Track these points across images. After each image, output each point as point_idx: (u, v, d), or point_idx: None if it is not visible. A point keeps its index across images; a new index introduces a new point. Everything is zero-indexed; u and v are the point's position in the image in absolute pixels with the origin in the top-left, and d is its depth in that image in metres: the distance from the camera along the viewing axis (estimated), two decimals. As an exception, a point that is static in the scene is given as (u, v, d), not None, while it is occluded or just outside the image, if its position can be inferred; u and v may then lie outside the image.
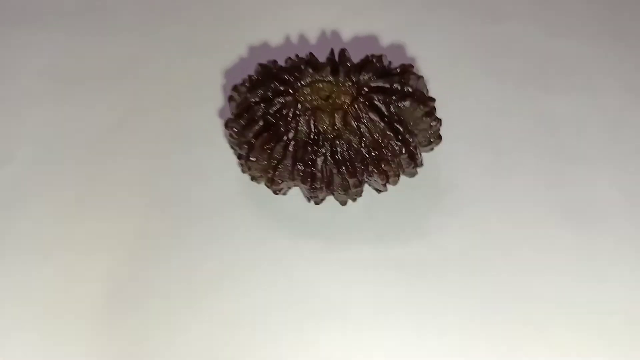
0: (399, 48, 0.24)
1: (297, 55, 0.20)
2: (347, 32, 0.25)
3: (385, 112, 0.18)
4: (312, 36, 0.24)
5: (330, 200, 0.20)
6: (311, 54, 0.20)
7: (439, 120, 0.19)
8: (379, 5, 0.25)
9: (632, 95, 0.23)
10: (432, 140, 0.19)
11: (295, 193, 0.21)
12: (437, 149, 0.21)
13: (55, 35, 0.25)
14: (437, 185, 0.21)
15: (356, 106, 0.18)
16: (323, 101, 0.18)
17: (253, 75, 0.19)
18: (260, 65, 0.20)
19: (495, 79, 0.24)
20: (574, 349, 0.18)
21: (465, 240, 0.20)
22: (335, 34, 0.24)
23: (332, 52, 0.20)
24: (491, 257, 0.20)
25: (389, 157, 0.18)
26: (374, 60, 0.19)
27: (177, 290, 0.19)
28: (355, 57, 0.20)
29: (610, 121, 0.22)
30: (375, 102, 0.18)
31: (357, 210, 0.20)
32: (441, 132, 0.19)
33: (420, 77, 0.19)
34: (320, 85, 0.19)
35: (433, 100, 0.19)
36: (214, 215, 0.20)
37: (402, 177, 0.20)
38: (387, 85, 0.18)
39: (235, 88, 0.19)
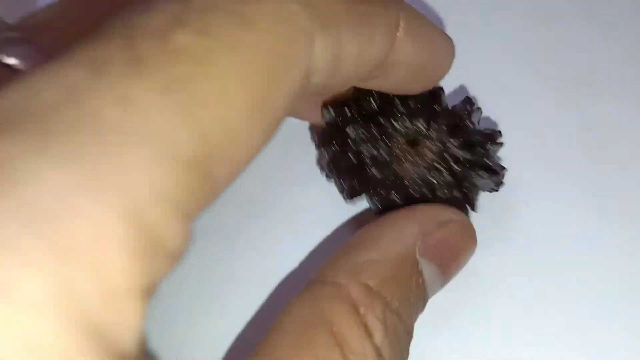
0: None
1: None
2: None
3: (459, 175, 0.18)
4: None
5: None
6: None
7: (502, 184, 0.19)
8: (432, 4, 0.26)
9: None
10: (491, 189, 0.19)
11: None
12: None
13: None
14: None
15: (435, 164, 0.18)
16: (408, 147, 0.19)
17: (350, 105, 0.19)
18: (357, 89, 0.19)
19: (543, 79, 0.24)
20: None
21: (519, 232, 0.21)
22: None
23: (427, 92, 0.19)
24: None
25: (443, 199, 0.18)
26: (466, 120, 0.19)
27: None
28: None
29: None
30: (454, 169, 0.18)
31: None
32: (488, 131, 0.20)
33: (501, 144, 0.19)
34: (411, 132, 0.19)
35: (504, 171, 0.19)
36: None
37: None
38: (471, 159, 0.18)
39: (327, 109, 0.19)
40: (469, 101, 0.19)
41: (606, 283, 0.20)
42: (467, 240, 0.17)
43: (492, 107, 0.22)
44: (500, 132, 0.19)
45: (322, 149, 0.19)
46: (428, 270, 0.16)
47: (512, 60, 0.25)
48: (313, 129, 0.20)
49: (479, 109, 0.19)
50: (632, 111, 0.23)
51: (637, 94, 0.23)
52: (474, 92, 0.23)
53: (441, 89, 0.19)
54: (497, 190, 0.19)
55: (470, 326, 0.19)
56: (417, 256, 0.16)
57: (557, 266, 0.20)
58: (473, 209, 0.19)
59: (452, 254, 0.17)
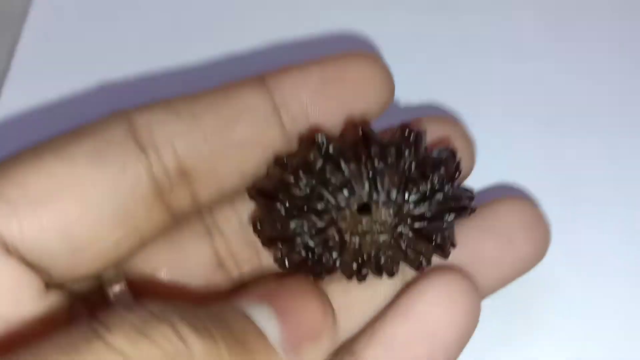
0: (414, 81, 0.23)
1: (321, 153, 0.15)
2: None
3: (425, 232, 0.16)
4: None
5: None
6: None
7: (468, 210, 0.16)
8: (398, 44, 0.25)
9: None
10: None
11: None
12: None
13: None
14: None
15: (400, 242, 0.16)
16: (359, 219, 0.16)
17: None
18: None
19: (514, 119, 0.24)
20: None
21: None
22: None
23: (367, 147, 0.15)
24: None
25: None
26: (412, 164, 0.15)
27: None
28: None
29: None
30: (419, 228, 0.16)
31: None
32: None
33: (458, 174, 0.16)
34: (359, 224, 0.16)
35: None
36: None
37: None
38: (432, 211, 0.16)
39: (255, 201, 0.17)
40: (405, 130, 0.16)
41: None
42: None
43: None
44: (454, 158, 0.16)
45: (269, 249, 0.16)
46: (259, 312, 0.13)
47: (483, 97, 0.24)
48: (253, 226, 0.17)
49: (420, 134, 0.16)
50: (597, 150, 0.23)
51: (604, 133, 0.23)
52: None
53: (369, 133, 0.16)
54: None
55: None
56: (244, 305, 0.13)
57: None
58: (446, 256, 0.16)
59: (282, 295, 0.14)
